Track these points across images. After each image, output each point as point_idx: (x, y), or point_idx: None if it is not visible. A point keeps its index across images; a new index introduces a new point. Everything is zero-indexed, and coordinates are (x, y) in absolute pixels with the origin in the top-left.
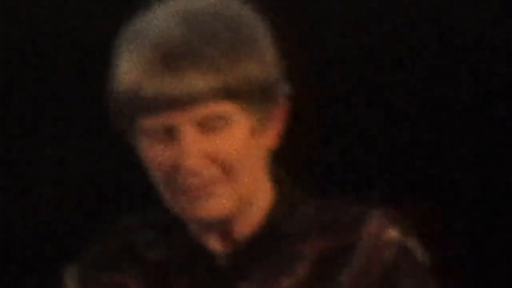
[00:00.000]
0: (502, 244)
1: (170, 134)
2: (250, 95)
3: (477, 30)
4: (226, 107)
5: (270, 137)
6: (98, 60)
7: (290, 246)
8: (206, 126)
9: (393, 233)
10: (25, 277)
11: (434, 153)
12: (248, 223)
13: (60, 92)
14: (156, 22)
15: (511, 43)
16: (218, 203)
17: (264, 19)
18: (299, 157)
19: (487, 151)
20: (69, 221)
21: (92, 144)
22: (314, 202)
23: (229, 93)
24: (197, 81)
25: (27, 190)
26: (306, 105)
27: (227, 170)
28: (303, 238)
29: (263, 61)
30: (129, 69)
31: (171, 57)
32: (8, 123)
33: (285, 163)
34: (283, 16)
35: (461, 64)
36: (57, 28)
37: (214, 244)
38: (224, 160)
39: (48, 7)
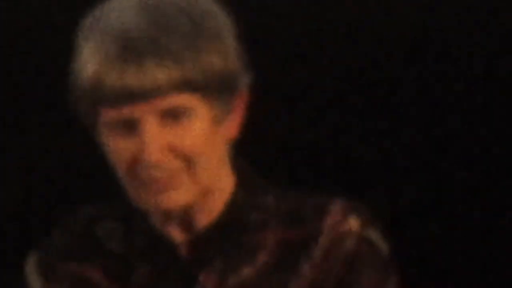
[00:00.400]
0: (461, 236)
1: (131, 126)
2: (211, 87)
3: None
4: (187, 99)
5: (231, 128)
6: (60, 50)
7: (250, 235)
8: (168, 117)
9: (354, 224)
10: None
11: (391, 142)
12: (209, 213)
13: (26, 83)
14: (117, 12)
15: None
16: (179, 194)
17: (226, 10)
18: (261, 146)
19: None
20: (32, 210)
21: (55, 133)
22: (275, 192)
23: (190, 85)
24: (158, 72)
25: None
26: (268, 95)
27: (188, 161)
28: (264, 227)
29: (225, 53)
30: (89, 61)
31: (131, 49)
32: None
33: (247, 152)
34: (246, 7)
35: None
36: (20, 19)
37: (175, 233)
38: (185, 152)
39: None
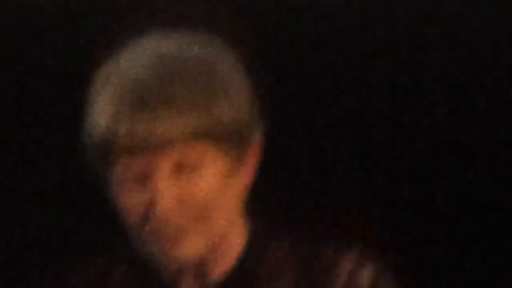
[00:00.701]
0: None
1: (143, 176)
2: (223, 137)
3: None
4: (200, 149)
5: (244, 177)
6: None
7: (264, 285)
8: (180, 168)
9: (366, 274)
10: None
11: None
12: (222, 264)
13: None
14: (130, 64)
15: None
16: (192, 246)
17: (237, 60)
18: (274, 194)
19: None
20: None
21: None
22: (288, 241)
23: (203, 135)
24: (170, 124)
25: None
26: (279, 143)
27: (201, 212)
28: (278, 277)
29: (237, 103)
30: (102, 112)
31: (144, 100)
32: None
33: (259, 200)
34: (257, 55)
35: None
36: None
37: (188, 284)
38: (197, 203)
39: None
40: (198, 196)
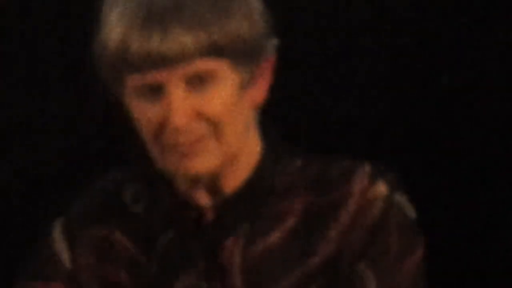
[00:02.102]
0: (489, 204)
1: (157, 91)
2: (238, 51)
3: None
4: (213, 64)
5: (258, 93)
6: (84, 16)
7: (277, 200)
8: (194, 83)
9: (381, 188)
10: (13, 231)
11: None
12: (236, 178)
13: (50, 49)
14: None
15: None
16: (205, 160)
17: None
18: (289, 111)
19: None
20: (57, 174)
21: (79, 97)
22: (302, 157)
23: (216, 50)
24: (184, 38)
25: (14, 144)
26: (295, 60)
27: (215, 126)
28: (291, 192)
29: (251, 17)
30: (114, 27)
31: (157, 14)
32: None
33: (274, 117)
34: None
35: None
36: None
37: (201, 199)
38: (212, 117)
39: None
40: (212, 109)
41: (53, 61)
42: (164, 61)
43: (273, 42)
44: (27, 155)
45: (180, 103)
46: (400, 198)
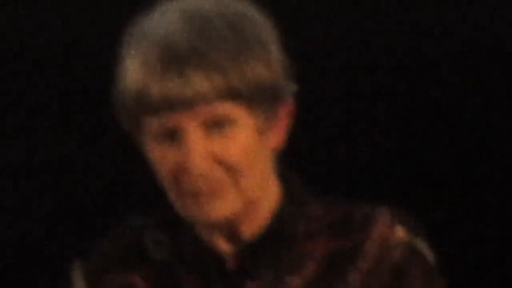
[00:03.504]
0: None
1: (175, 135)
2: (255, 96)
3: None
4: (231, 108)
5: (276, 137)
6: (103, 59)
7: (298, 246)
8: (212, 127)
9: (401, 233)
10: (34, 275)
11: (442, 155)
12: (256, 224)
13: (70, 92)
14: (161, 22)
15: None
16: (225, 206)
17: (269, 19)
18: (307, 156)
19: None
20: (78, 219)
21: (101, 143)
22: (322, 201)
23: (234, 94)
24: (202, 81)
25: (36, 188)
26: (313, 104)
27: (233, 171)
28: (311, 238)
29: (268, 61)
30: (133, 70)
31: (175, 58)
32: (17, 123)
33: (293, 162)
34: (289, 16)
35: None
36: (61, 29)
37: (222, 245)
38: (230, 162)
39: (53, 7)
40: (230, 154)
41: (74, 101)
42: (182, 105)
43: (292, 87)
44: (47, 196)
45: (198, 146)
46: (420, 243)
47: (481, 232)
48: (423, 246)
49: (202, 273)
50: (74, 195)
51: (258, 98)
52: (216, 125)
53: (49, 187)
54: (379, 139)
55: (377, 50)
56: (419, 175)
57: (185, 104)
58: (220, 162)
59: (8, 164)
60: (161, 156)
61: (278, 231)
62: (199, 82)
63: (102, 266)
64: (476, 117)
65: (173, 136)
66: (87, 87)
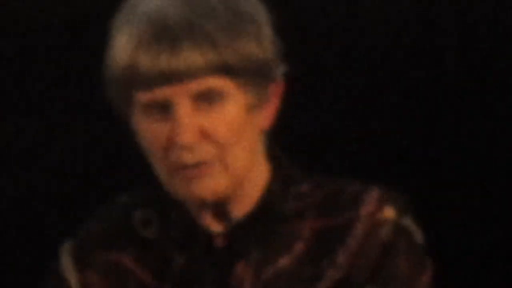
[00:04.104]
0: (497, 225)
1: (165, 109)
2: (246, 72)
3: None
4: (222, 83)
5: (266, 116)
6: (93, 34)
7: (286, 225)
8: (201, 101)
9: (389, 212)
10: (22, 253)
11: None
12: (244, 203)
13: (57, 72)
14: None
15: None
16: (213, 183)
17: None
18: (296, 135)
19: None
20: (66, 198)
21: (87, 122)
22: (311, 180)
23: (226, 69)
24: (194, 55)
25: (26, 167)
26: (302, 84)
27: (221, 148)
28: (300, 217)
29: (260, 39)
30: (125, 44)
31: (167, 32)
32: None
33: (281, 141)
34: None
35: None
36: (55, 5)
37: (211, 223)
38: (218, 136)
39: None
40: (219, 130)
41: (62, 83)
42: (172, 78)
43: (282, 68)
44: (37, 178)
45: (188, 120)
46: (408, 222)
47: (475, 217)
48: (411, 225)
49: (190, 251)
50: (60, 175)
51: (249, 74)
52: (206, 99)
53: (34, 169)
54: (369, 116)
55: (372, 32)
56: (412, 156)
57: (176, 78)
58: (208, 136)
59: None
60: (150, 130)
61: (266, 210)
62: (191, 56)
63: (90, 245)
64: (475, 103)
65: (162, 109)
66: (78, 66)
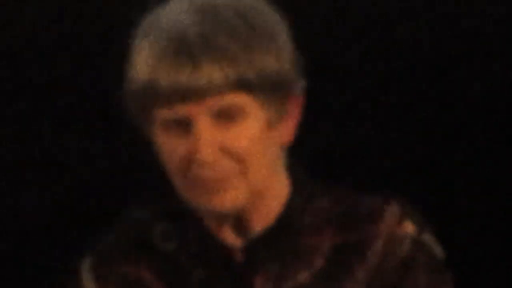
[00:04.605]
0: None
1: (185, 125)
2: (265, 87)
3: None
4: (241, 99)
5: (285, 131)
6: (113, 52)
7: (305, 239)
8: (221, 117)
9: (409, 228)
10: (39, 269)
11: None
12: (263, 218)
13: (79, 86)
14: (172, 14)
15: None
16: (232, 196)
17: (280, 13)
18: (316, 150)
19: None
20: (84, 212)
21: (106, 135)
22: (330, 194)
23: (245, 85)
24: (213, 72)
25: (42, 180)
26: (321, 99)
27: (241, 162)
28: (319, 231)
29: (279, 54)
30: (144, 61)
31: (187, 49)
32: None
33: (301, 156)
34: (298, 10)
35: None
36: (74, 23)
37: (230, 238)
38: (238, 153)
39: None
40: (239, 145)
41: (77, 95)
42: (192, 95)
43: (302, 82)
44: (56, 190)
45: (208, 137)
46: (428, 238)
47: (489, 230)
48: (431, 241)
49: (209, 266)
50: (77, 188)
51: (268, 90)
52: (225, 116)
53: (51, 181)
54: (388, 131)
55: (390, 41)
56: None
57: (196, 95)
58: (229, 152)
59: (9, 157)
60: (170, 146)
61: (286, 224)
62: (211, 73)
63: (109, 259)
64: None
65: (182, 126)
66: (93, 82)
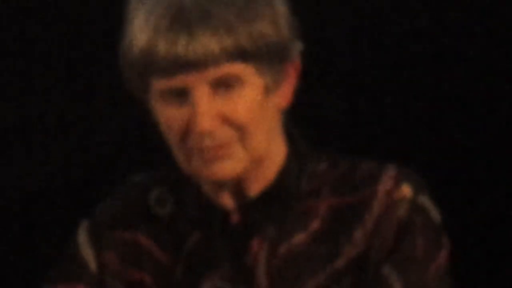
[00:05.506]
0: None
1: (183, 95)
2: (263, 56)
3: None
4: (239, 68)
5: (283, 96)
6: (112, 21)
7: (302, 203)
8: (219, 87)
9: (406, 190)
10: (39, 232)
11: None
12: (261, 181)
13: (77, 54)
14: None
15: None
16: (231, 165)
17: None
18: (313, 115)
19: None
20: (83, 177)
21: (105, 102)
22: (327, 159)
23: (243, 54)
24: (210, 42)
25: (44, 148)
26: (319, 64)
27: (240, 130)
28: (316, 194)
29: (276, 21)
30: (140, 31)
31: (183, 18)
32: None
33: (298, 120)
34: None
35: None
36: None
37: (226, 201)
38: (237, 121)
39: None
40: (237, 113)
41: (77, 63)
42: (190, 65)
43: (298, 46)
44: (53, 157)
45: (206, 107)
46: (425, 201)
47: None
48: (428, 203)
49: (205, 228)
50: (78, 155)
51: (266, 57)
52: (224, 85)
53: (53, 148)
54: (385, 95)
55: (384, 11)
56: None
57: (193, 65)
58: (228, 121)
59: (8, 123)
60: (168, 115)
61: (282, 188)
62: (208, 42)
63: (106, 224)
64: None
65: (180, 95)
66: (90, 46)
